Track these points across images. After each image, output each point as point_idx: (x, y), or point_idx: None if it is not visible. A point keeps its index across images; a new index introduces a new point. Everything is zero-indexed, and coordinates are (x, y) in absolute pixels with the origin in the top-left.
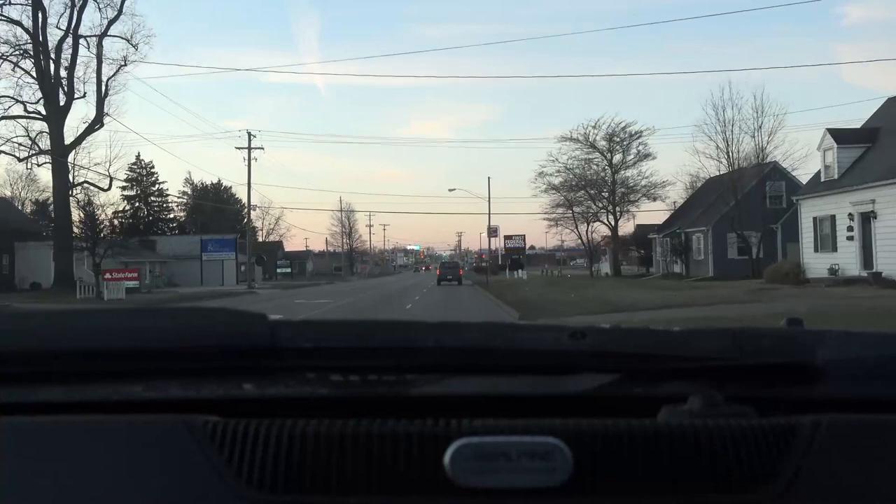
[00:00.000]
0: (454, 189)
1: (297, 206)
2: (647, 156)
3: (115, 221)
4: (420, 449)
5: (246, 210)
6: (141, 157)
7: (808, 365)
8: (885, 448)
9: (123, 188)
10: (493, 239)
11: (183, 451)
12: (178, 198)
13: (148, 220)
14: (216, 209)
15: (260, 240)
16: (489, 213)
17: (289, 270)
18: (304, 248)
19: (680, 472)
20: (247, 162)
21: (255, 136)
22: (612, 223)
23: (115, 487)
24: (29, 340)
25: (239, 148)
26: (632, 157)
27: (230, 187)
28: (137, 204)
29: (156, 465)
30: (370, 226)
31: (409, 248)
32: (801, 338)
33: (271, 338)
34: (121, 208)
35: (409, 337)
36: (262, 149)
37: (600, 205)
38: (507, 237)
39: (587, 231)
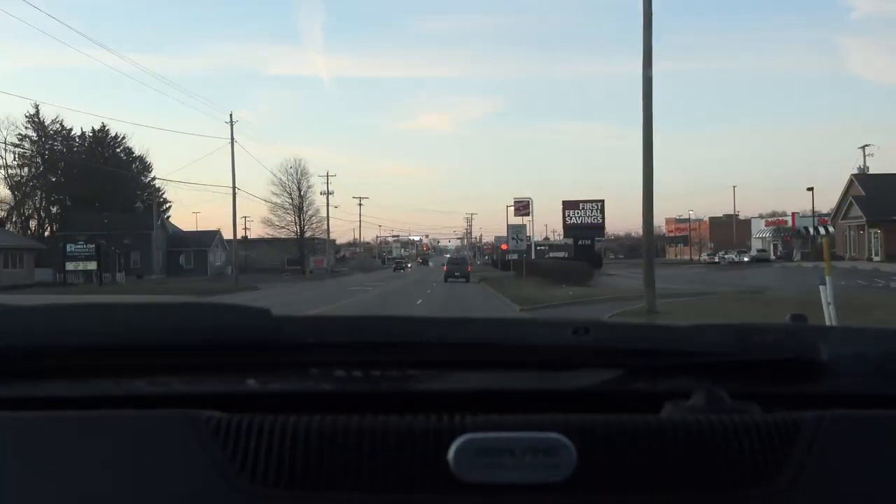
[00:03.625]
0: None
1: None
2: None
3: None
4: (423, 445)
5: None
6: None
7: (812, 360)
8: (889, 444)
9: None
10: (522, 218)
11: (185, 446)
12: (17, 145)
13: None
14: (94, 169)
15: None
16: None
17: (94, 267)
18: (244, 232)
19: (683, 468)
20: None
21: None
22: None
23: (116, 482)
24: (32, 335)
25: None
26: None
27: (123, 138)
28: None
29: (158, 460)
30: (328, 193)
31: (409, 237)
32: (805, 333)
33: (275, 333)
34: None
35: (412, 332)
36: None
37: None
38: (569, 204)
39: None
